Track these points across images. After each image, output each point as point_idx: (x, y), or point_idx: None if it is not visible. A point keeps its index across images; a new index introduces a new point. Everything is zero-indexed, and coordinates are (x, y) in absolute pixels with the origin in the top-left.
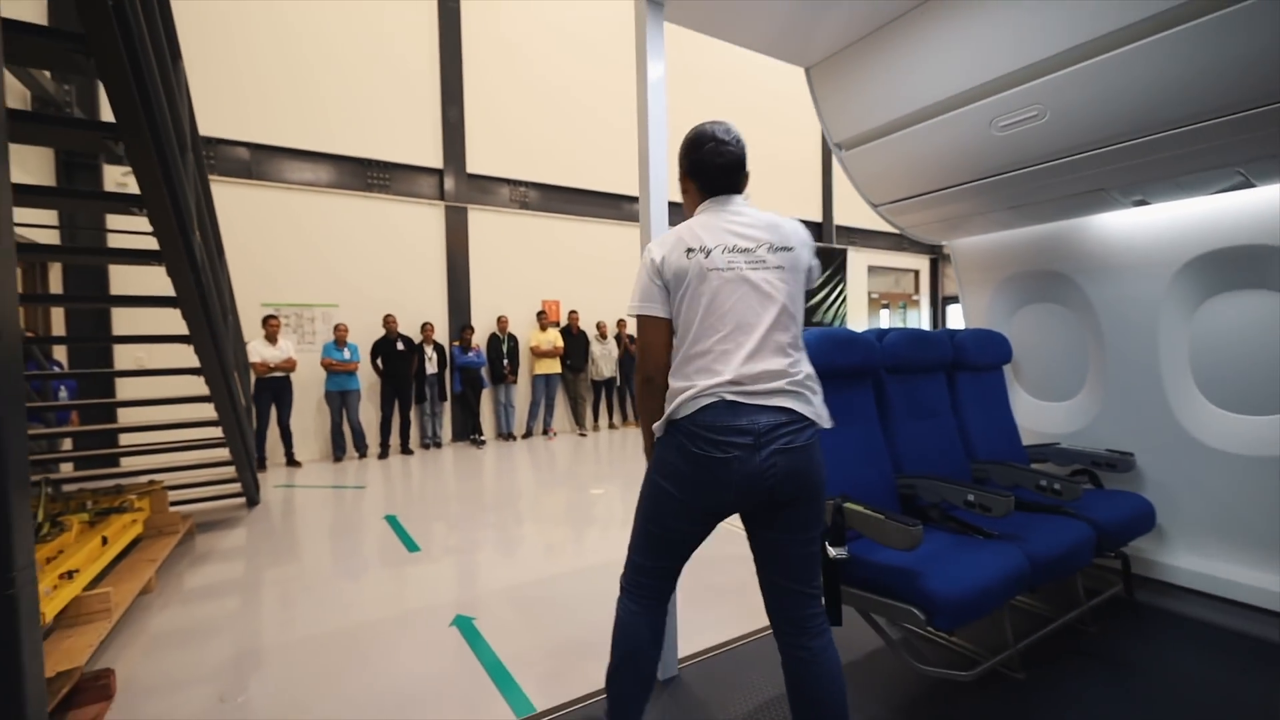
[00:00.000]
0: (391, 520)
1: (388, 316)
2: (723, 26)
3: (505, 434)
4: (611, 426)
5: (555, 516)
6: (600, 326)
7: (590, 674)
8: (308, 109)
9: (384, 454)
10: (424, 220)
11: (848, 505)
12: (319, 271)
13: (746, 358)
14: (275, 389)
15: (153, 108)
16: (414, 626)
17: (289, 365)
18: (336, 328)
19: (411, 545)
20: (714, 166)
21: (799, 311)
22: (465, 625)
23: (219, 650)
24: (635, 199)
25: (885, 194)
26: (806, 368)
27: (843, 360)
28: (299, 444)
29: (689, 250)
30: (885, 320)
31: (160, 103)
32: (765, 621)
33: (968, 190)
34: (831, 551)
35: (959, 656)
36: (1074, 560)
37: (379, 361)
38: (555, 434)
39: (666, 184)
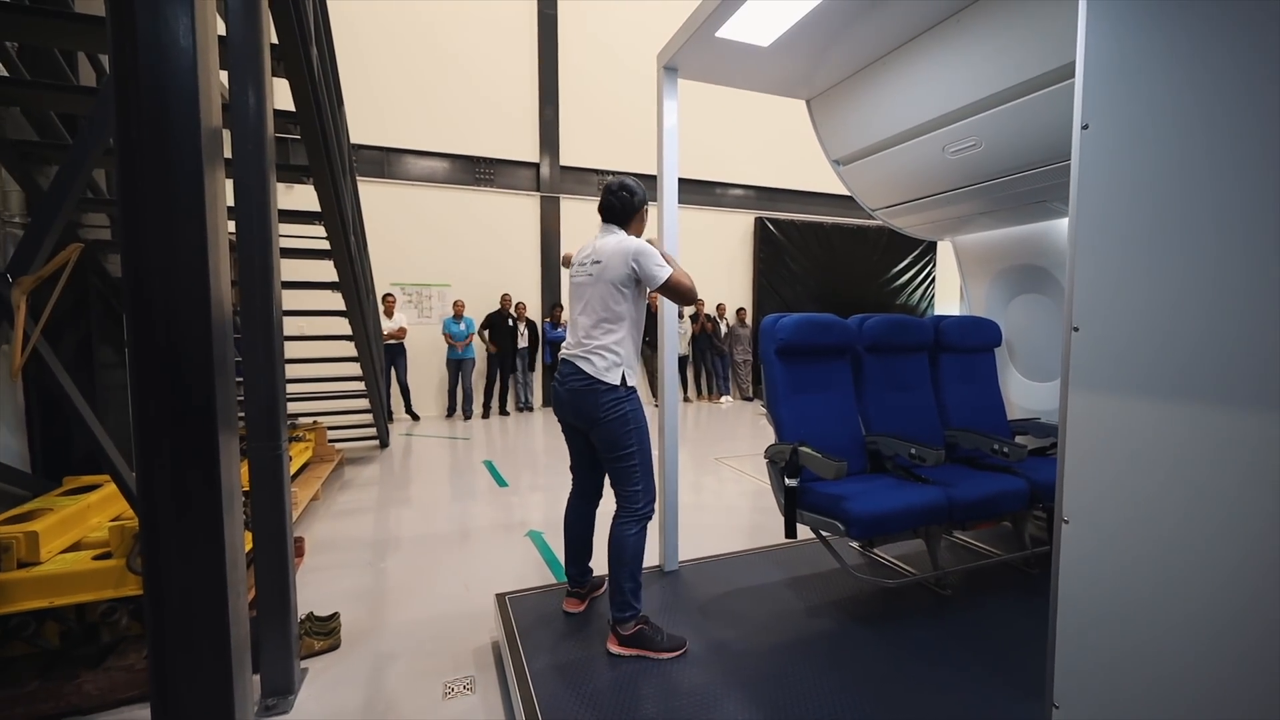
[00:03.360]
0: (488, 464)
1: (505, 295)
2: (732, 78)
3: None
4: (685, 400)
5: None
6: None
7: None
8: (426, 114)
9: (485, 414)
10: (521, 209)
11: (801, 449)
12: (435, 255)
13: (569, 330)
14: (393, 354)
15: (333, 151)
16: (499, 535)
17: (400, 334)
18: (455, 304)
19: (502, 482)
20: (601, 207)
21: (602, 304)
22: (536, 537)
23: (366, 537)
24: (721, 184)
25: (878, 201)
26: (600, 340)
27: (821, 340)
28: (420, 401)
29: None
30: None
31: (337, 146)
32: (749, 544)
33: (942, 199)
34: (788, 481)
35: (894, 574)
36: (997, 506)
37: (486, 334)
38: None
39: (677, 194)
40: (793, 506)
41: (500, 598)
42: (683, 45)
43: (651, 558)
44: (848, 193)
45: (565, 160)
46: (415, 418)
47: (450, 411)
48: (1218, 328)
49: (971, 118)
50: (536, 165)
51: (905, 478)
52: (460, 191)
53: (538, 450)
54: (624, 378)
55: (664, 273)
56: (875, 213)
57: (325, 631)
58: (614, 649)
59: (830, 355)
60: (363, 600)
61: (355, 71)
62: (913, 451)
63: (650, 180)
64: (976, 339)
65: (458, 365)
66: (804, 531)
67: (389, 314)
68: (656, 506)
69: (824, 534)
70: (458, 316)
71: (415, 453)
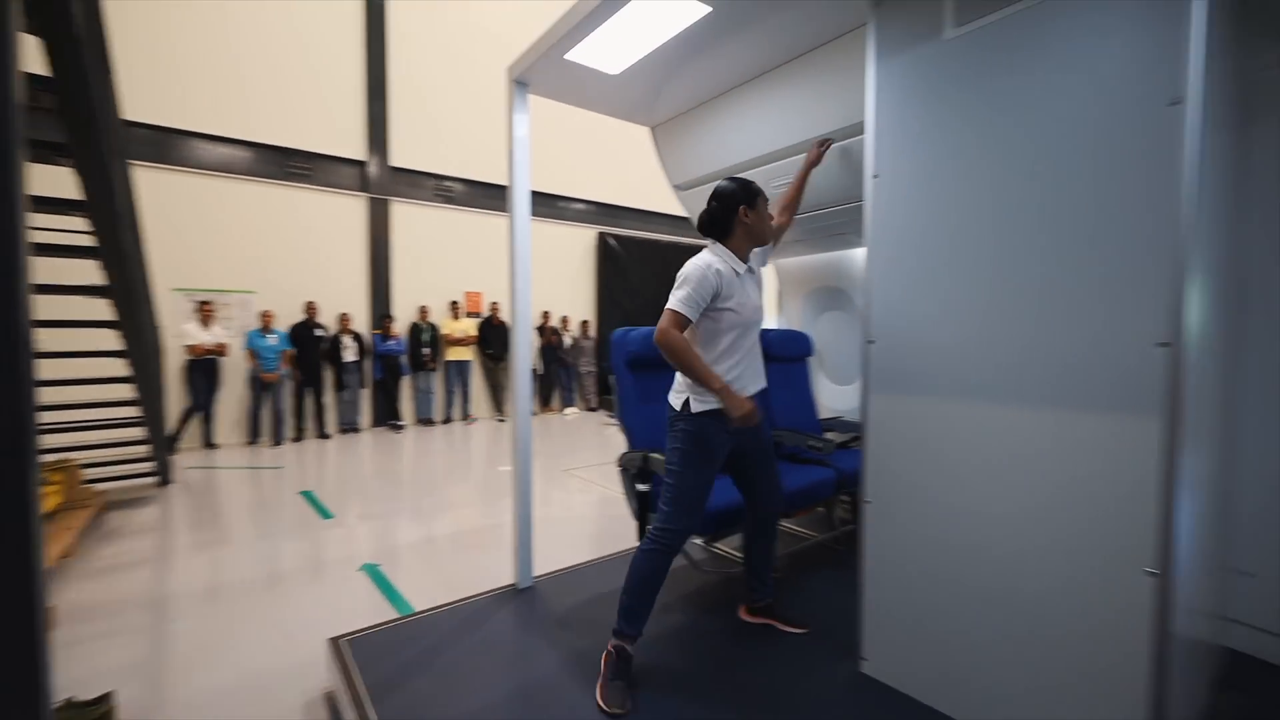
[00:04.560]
0: (307, 495)
1: (309, 304)
2: (581, 99)
3: (425, 419)
4: (533, 413)
5: (463, 488)
6: None
7: (462, 588)
8: (223, 93)
9: (299, 437)
10: (345, 210)
11: (652, 455)
12: (235, 258)
13: None
14: (205, 372)
15: (102, 128)
16: (327, 573)
17: (221, 349)
18: (263, 315)
19: (325, 513)
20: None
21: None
22: (372, 571)
23: (145, 595)
24: (567, 198)
25: None
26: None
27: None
28: (213, 427)
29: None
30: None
31: (105, 122)
32: (603, 552)
33: None
34: (640, 487)
35: (734, 563)
36: (815, 494)
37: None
38: (475, 419)
39: (529, 205)
40: (645, 510)
41: (335, 642)
42: (533, 63)
43: (504, 575)
44: (685, 214)
45: (396, 161)
46: (212, 446)
47: (254, 438)
48: (985, 339)
49: (791, 158)
50: (363, 164)
51: None
52: (268, 186)
53: (366, 475)
54: (687, 403)
55: (670, 303)
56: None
57: (92, 719)
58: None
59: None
60: (144, 673)
61: (136, 36)
62: None
63: (491, 190)
64: (794, 349)
65: (264, 385)
66: None
67: (205, 323)
68: (514, 522)
69: None
70: (266, 329)
71: (211, 488)
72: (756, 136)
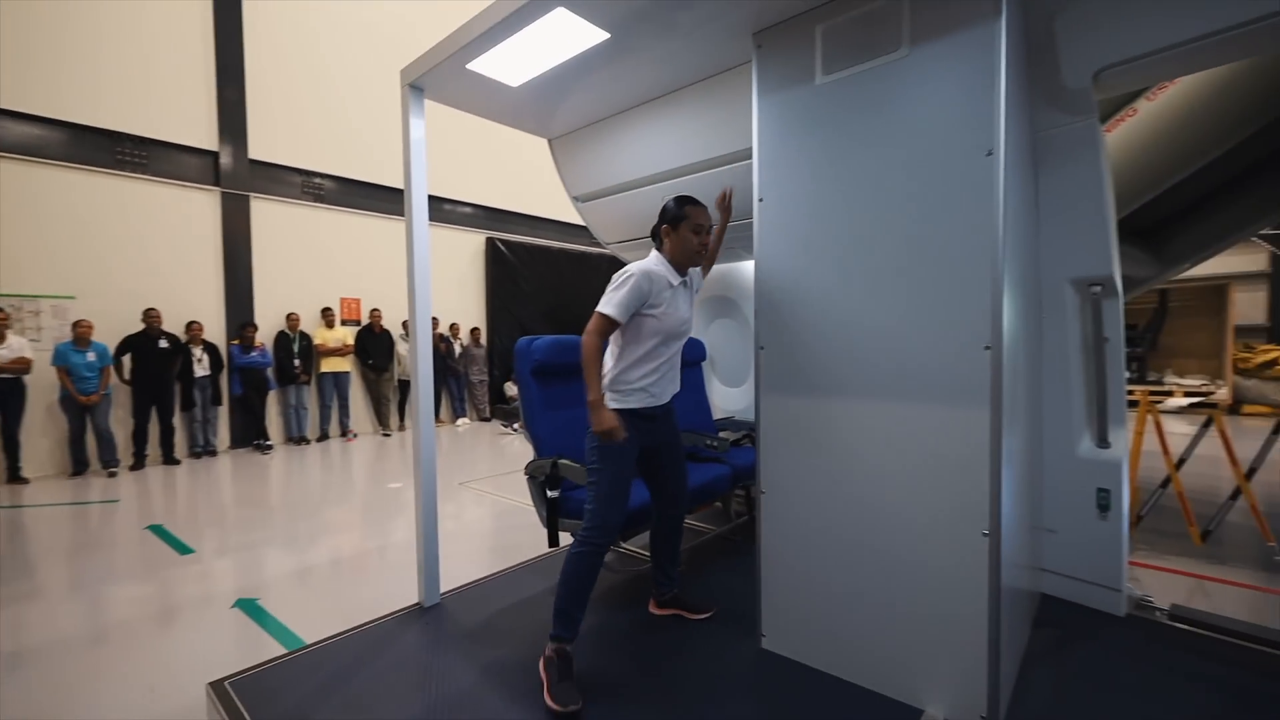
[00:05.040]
0: (157, 529)
1: (150, 311)
2: (478, 108)
3: (297, 437)
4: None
5: (345, 509)
6: (406, 325)
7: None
8: (27, 62)
9: (139, 464)
10: (193, 206)
11: (561, 461)
12: (44, 258)
13: None
14: (4, 393)
15: None
16: (193, 614)
17: (21, 366)
18: (77, 324)
19: (183, 548)
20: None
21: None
22: (248, 606)
23: None
24: (454, 201)
25: (613, 236)
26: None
27: (574, 359)
28: (26, 458)
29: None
30: None
31: None
32: (508, 563)
33: None
34: (550, 493)
35: (641, 561)
36: (713, 490)
37: (125, 360)
38: (355, 435)
39: (426, 211)
40: (554, 516)
41: (215, 686)
42: (431, 69)
43: (403, 597)
44: (578, 222)
45: (255, 153)
46: (21, 480)
47: (79, 468)
48: (854, 345)
49: (689, 176)
50: (215, 154)
51: None
52: (87, 175)
53: (229, 502)
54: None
55: (601, 305)
56: (609, 245)
57: None
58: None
59: (580, 373)
60: None
61: None
62: None
63: (369, 190)
64: (690, 355)
65: (82, 407)
66: (565, 539)
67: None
68: (417, 540)
69: None
70: (81, 341)
71: (24, 532)
72: (654, 155)
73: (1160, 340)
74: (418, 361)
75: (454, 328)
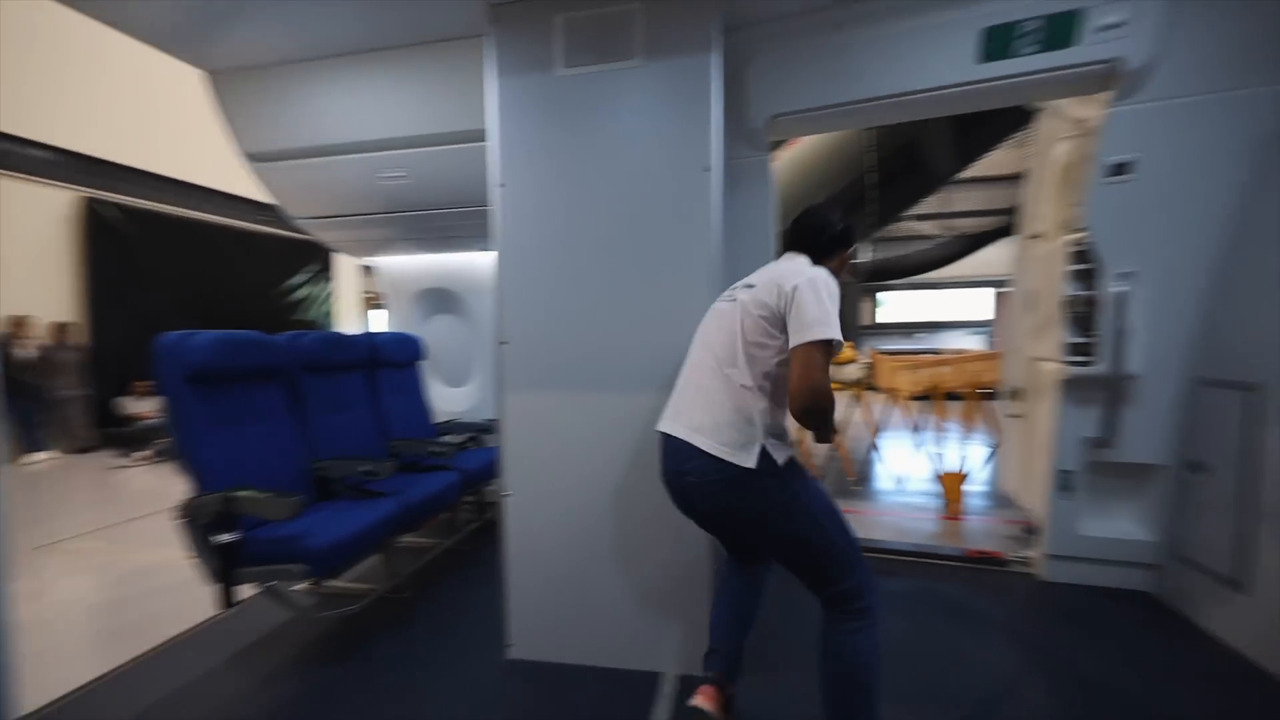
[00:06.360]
0: None
1: None
2: (112, 14)
3: None
4: None
5: None
6: None
7: None
8: None
9: None
10: None
11: (239, 494)
12: None
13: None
14: None
15: None
16: None
17: None
18: None
19: None
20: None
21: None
22: None
23: None
24: (18, 139)
25: (303, 210)
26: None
27: (248, 362)
28: None
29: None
30: (382, 320)
31: None
32: (147, 644)
33: (372, 220)
34: (221, 538)
35: (352, 598)
36: (443, 500)
37: None
38: None
39: None
40: (227, 567)
41: None
42: None
43: None
44: (257, 196)
45: None
46: None
47: None
48: (595, 340)
49: (402, 150)
50: None
51: (359, 496)
52: None
53: None
54: (766, 454)
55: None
56: (297, 221)
57: None
58: None
59: (260, 379)
60: None
61: None
62: (364, 469)
63: None
64: (406, 353)
65: None
66: (247, 591)
67: None
68: None
69: (275, 584)
70: None
71: None
72: (362, 119)
73: None
74: None
75: (19, 323)
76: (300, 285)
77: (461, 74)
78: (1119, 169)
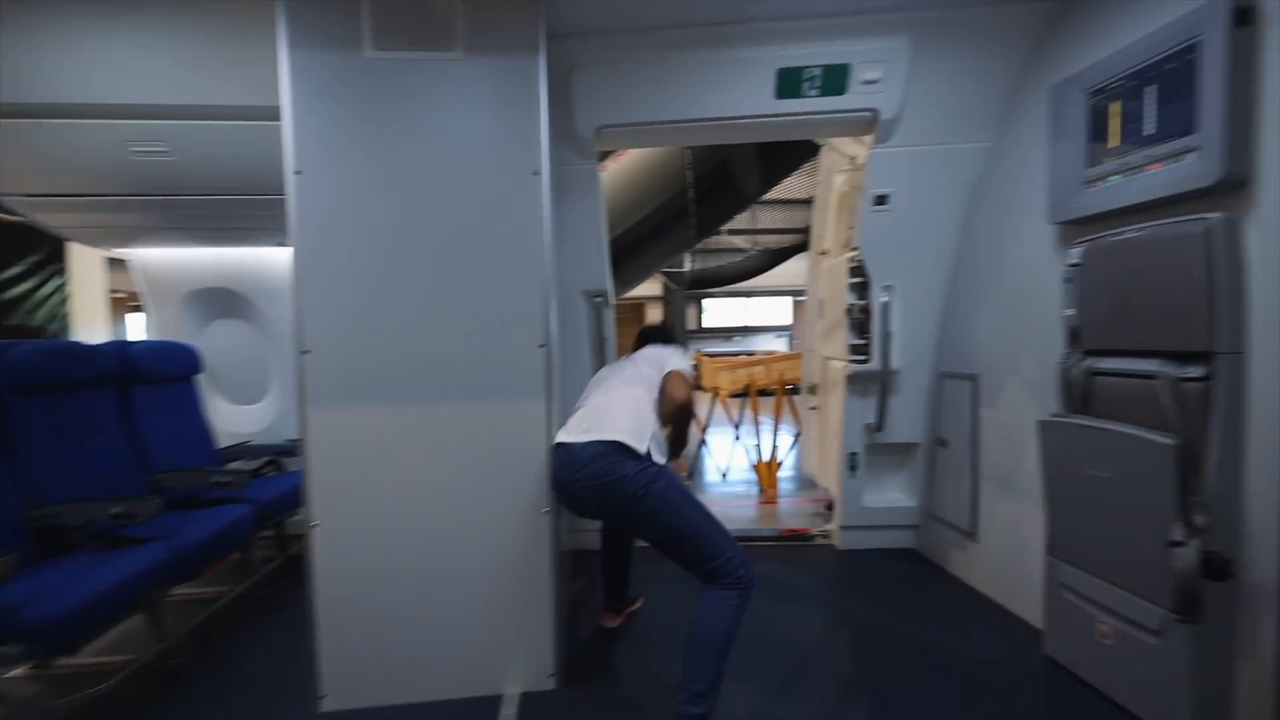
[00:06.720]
0: None
1: None
2: None
3: None
4: None
5: None
6: None
7: None
8: None
9: None
10: None
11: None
12: None
13: None
14: None
15: None
16: None
17: None
18: None
19: None
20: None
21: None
22: None
23: None
24: None
25: (19, 185)
26: None
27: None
28: None
29: None
30: (138, 328)
31: None
32: None
33: (121, 202)
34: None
35: (101, 675)
36: (231, 538)
37: None
38: None
39: None
40: None
41: None
42: None
43: None
44: None
45: None
46: None
47: None
48: (413, 346)
49: (164, 121)
50: None
51: (108, 546)
52: None
53: None
54: (650, 454)
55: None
56: (8, 199)
57: None
58: None
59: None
60: None
61: None
62: (116, 512)
63: None
64: (175, 367)
65: None
66: None
67: None
68: None
69: None
70: None
71: None
72: (101, 76)
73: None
74: None
75: None
76: (14, 281)
77: (248, 42)
78: (880, 200)
